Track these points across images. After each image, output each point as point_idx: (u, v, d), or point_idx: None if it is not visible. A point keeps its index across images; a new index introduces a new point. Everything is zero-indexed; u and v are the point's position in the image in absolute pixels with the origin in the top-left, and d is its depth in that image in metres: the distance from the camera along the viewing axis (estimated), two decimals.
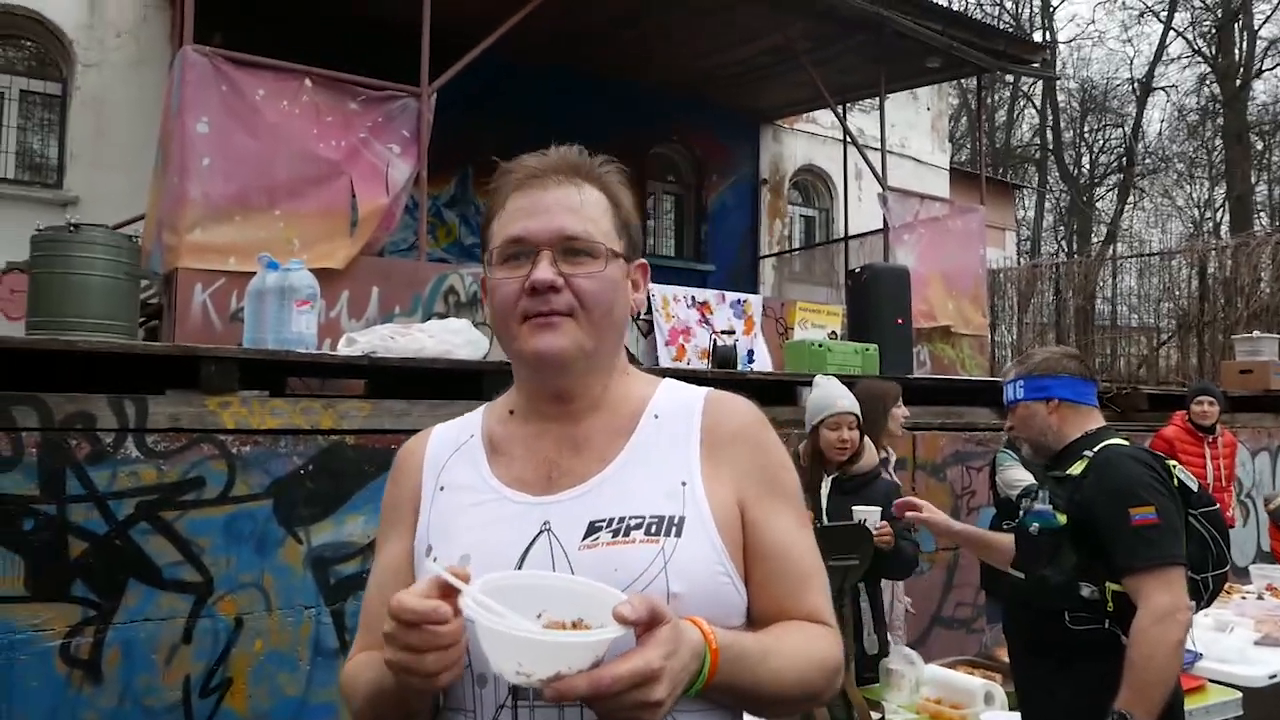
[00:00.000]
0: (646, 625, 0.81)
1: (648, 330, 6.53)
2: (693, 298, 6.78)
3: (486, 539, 1.00)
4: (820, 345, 5.72)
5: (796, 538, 1.05)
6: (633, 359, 1.37)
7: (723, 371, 5.46)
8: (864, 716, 2.60)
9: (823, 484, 3.18)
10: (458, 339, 3.80)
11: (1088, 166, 24.72)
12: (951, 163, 13.56)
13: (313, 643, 3.39)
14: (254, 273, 4.15)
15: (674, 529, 0.97)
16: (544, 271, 1.00)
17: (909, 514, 2.54)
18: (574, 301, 1.01)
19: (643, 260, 1.12)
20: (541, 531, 0.99)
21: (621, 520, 0.98)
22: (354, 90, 5.45)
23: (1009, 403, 2.36)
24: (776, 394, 5.12)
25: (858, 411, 3.20)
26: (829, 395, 3.21)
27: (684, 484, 1.01)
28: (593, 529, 0.98)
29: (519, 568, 0.96)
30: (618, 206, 1.08)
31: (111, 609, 3.04)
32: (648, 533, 0.96)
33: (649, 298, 6.56)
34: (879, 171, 7.97)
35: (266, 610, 3.32)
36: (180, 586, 3.17)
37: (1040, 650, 2.18)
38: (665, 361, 6.26)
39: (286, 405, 3.43)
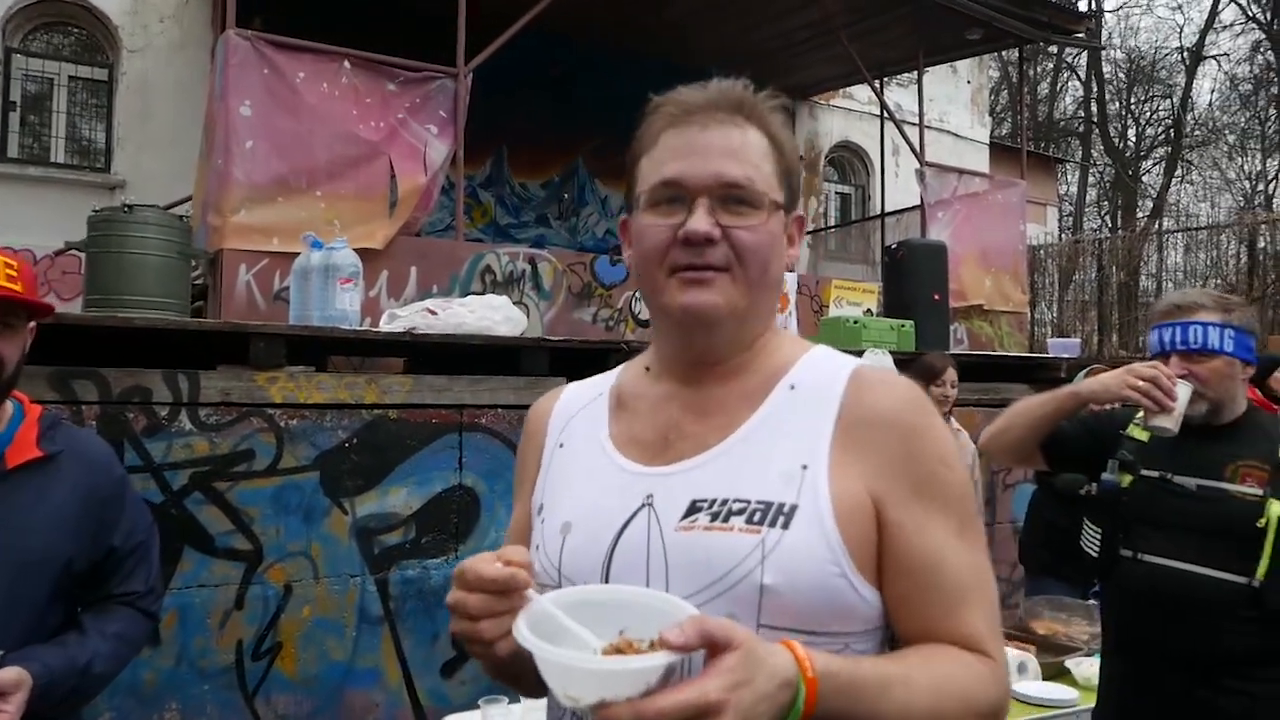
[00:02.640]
0: (711, 651, 0.72)
1: None
2: None
3: (589, 508, 0.95)
4: (856, 322, 5.69)
5: (952, 548, 0.89)
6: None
7: None
8: None
9: None
10: (497, 315, 3.87)
11: (1134, 140, 24.04)
12: (992, 137, 13.29)
13: (358, 610, 3.50)
14: (296, 253, 4.25)
15: (781, 519, 0.86)
16: (700, 221, 0.90)
17: None
18: (731, 255, 0.91)
19: (800, 214, 1.01)
20: (643, 505, 0.91)
21: (724, 503, 0.88)
22: (392, 72, 5.52)
23: (1208, 348, 1.90)
24: None
25: None
26: None
27: (804, 467, 0.89)
28: (693, 509, 0.89)
29: (615, 543, 0.91)
30: (780, 152, 0.96)
31: (168, 575, 3.16)
32: (749, 520, 0.86)
33: None
34: (917, 147, 7.87)
35: (314, 578, 3.43)
36: (232, 554, 3.29)
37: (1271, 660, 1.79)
38: None
39: (332, 380, 3.53)
